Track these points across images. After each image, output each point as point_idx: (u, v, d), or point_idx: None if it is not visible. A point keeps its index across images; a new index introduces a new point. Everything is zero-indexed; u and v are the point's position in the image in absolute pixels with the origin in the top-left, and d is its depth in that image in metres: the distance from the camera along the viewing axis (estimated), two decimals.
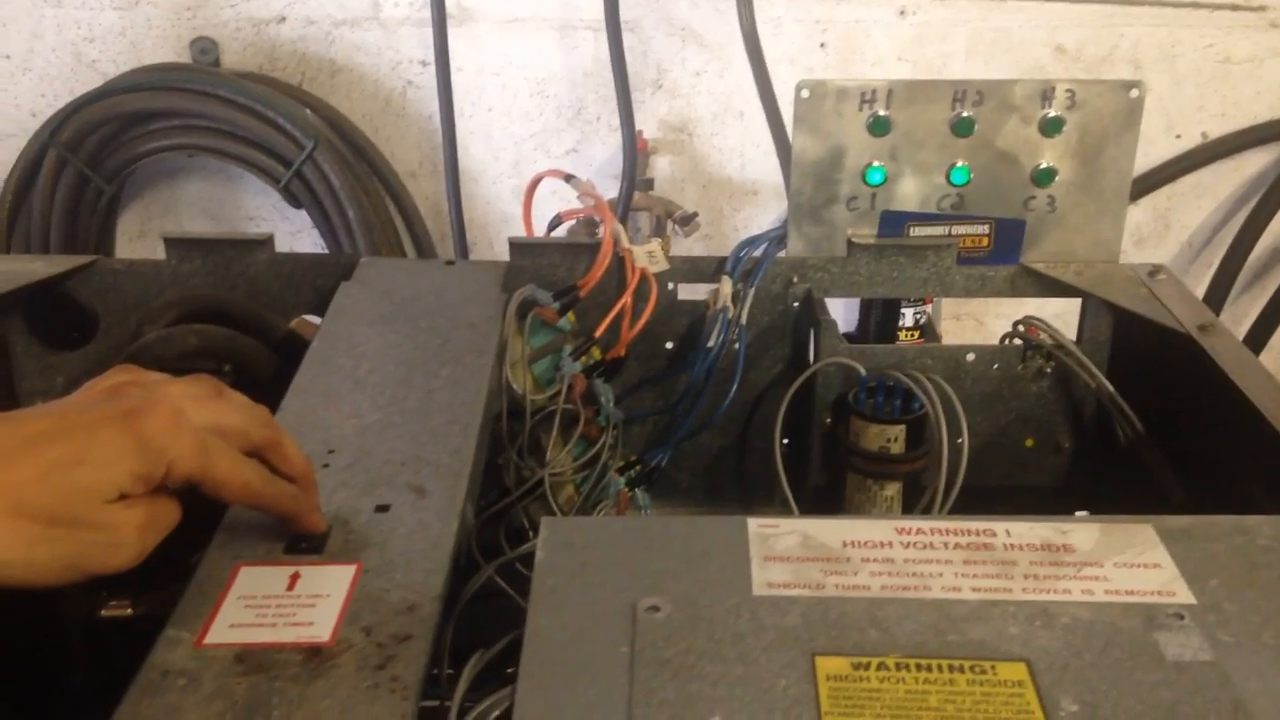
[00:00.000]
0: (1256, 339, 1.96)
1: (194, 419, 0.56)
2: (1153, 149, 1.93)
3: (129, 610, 0.79)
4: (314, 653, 0.54)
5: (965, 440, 0.84)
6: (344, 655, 0.54)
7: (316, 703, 0.51)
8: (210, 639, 0.55)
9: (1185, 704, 0.51)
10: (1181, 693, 0.51)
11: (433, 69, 1.88)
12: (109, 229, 1.95)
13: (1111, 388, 0.88)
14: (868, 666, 0.53)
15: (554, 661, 0.54)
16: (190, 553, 0.70)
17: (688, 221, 1.86)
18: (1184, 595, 0.57)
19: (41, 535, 0.50)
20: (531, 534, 0.82)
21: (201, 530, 0.63)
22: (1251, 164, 1.96)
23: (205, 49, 1.89)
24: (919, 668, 0.53)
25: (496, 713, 0.53)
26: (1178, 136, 1.93)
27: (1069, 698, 0.51)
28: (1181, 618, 0.55)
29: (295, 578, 0.59)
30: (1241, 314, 2.03)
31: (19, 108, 1.93)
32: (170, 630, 0.56)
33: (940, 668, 0.53)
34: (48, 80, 1.92)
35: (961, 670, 0.52)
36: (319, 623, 0.56)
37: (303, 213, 1.89)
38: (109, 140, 1.83)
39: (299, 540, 0.62)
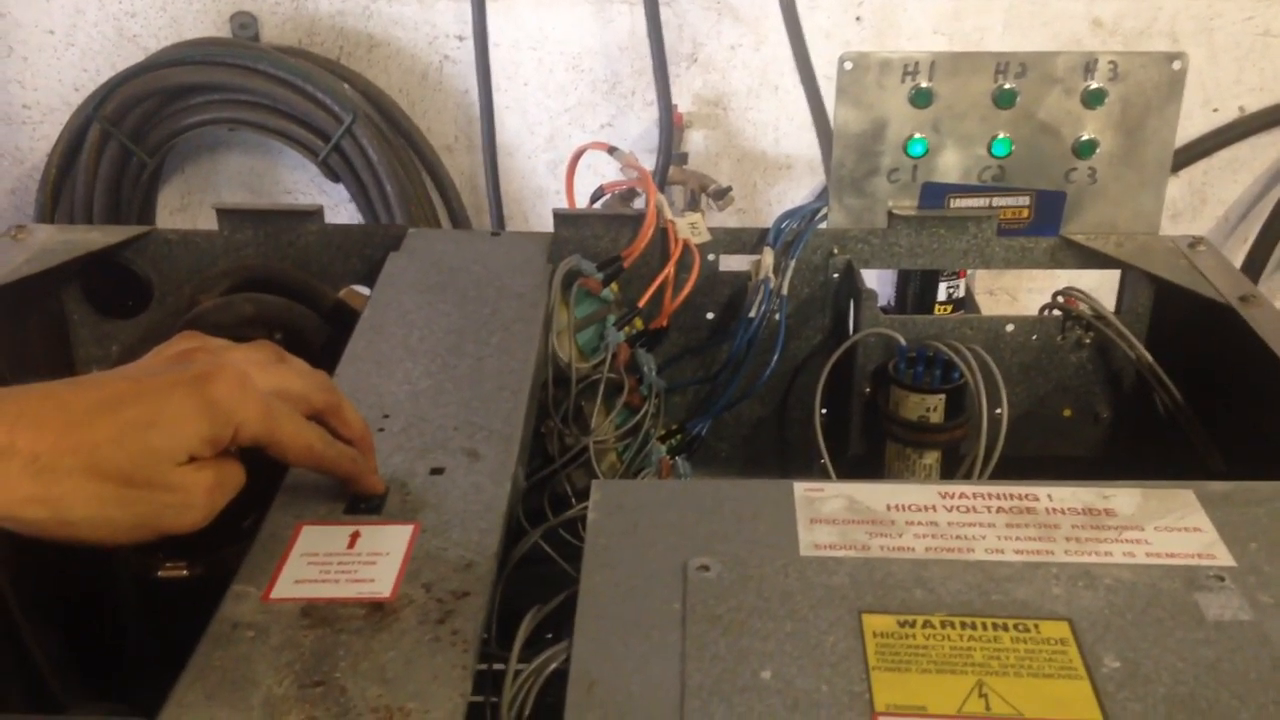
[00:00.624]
0: None
1: (259, 384, 0.58)
2: (1190, 123, 1.92)
3: (185, 572, 0.81)
4: (376, 607, 0.56)
5: (1005, 410, 0.85)
6: (405, 610, 0.56)
7: (381, 654, 0.53)
8: (277, 593, 0.57)
9: (1226, 662, 0.52)
10: (1222, 651, 0.52)
11: (468, 44, 1.89)
12: (150, 202, 1.98)
13: (1151, 358, 0.89)
14: (914, 624, 0.54)
15: (608, 617, 0.55)
16: (243, 517, 0.72)
17: (722, 195, 1.87)
18: (1224, 558, 0.58)
19: (116, 495, 0.52)
20: (574, 501, 0.84)
21: (255, 496, 0.64)
22: None
23: (245, 24, 1.91)
24: (964, 625, 0.54)
25: (554, 665, 0.55)
26: (1215, 110, 1.92)
27: (1111, 655, 0.52)
28: (1222, 579, 0.57)
29: (355, 536, 0.61)
30: (1276, 290, 2.02)
31: (62, 83, 1.96)
32: (238, 585, 0.58)
33: (985, 625, 0.54)
34: (90, 55, 1.94)
35: (1005, 628, 0.54)
36: (380, 579, 0.58)
37: (340, 187, 1.91)
38: (151, 114, 1.86)
39: (358, 501, 0.64)
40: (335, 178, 1.89)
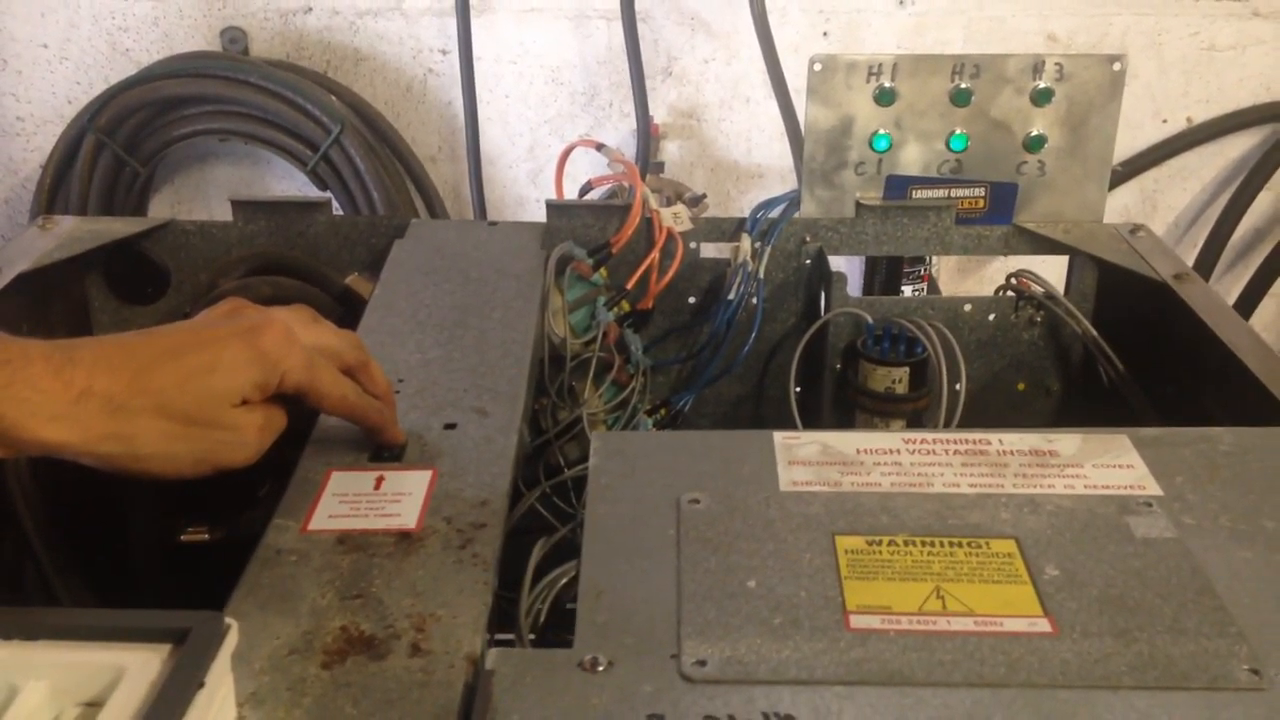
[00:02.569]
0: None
1: (301, 338, 0.65)
2: (1140, 133, 2.02)
3: (206, 535, 0.88)
4: (404, 536, 0.63)
5: (963, 383, 0.93)
6: (430, 539, 0.63)
7: (411, 573, 0.60)
8: (313, 526, 0.64)
9: (1151, 570, 0.59)
10: (1148, 561, 0.60)
11: (452, 57, 1.97)
12: (142, 210, 2.04)
13: (1096, 334, 0.97)
14: (880, 543, 0.62)
15: (611, 542, 0.62)
16: (260, 485, 0.79)
17: (696, 203, 1.95)
18: (1153, 489, 0.66)
19: (181, 433, 0.59)
20: (567, 470, 0.91)
21: (270, 465, 0.70)
22: (1234, 148, 2.05)
23: (235, 38, 1.98)
24: (924, 543, 0.61)
25: (564, 580, 0.62)
26: (1164, 121, 2.02)
27: (1052, 565, 0.60)
28: (1150, 505, 0.64)
29: (381, 479, 0.68)
30: (1224, 293, 2.12)
31: (55, 95, 2.02)
32: (278, 520, 0.65)
33: (942, 543, 0.61)
34: (83, 69, 2.00)
35: (960, 545, 0.61)
36: (405, 514, 0.65)
37: (327, 195, 1.97)
38: (144, 125, 1.92)
39: (381, 450, 0.71)
40: (323, 186, 1.96)
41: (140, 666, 0.48)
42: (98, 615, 0.52)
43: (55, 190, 1.95)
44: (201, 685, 0.47)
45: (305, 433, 0.73)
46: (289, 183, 2.08)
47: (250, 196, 1.01)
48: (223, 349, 0.60)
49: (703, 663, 0.53)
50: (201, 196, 2.10)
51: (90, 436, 0.56)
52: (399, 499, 0.67)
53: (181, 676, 0.47)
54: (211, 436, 0.60)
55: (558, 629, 0.64)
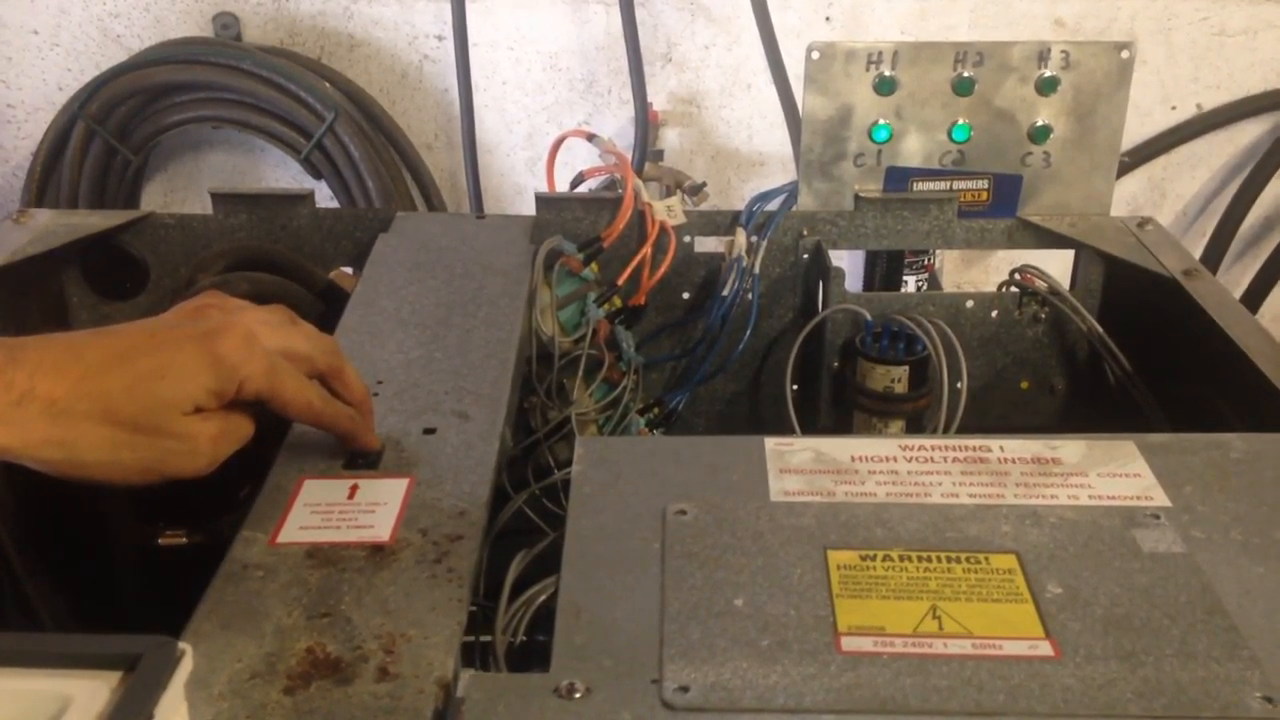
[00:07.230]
0: (1248, 306, 2.01)
1: (266, 342, 0.62)
2: (1149, 120, 1.98)
3: (184, 539, 0.85)
4: (377, 549, 0.60)
5: (965, 381, 0.90)
6: (404, 552, 0.60)
7: (383, 589, 0.57)
8: (283, 538, 0.61)
9: (1159, 588, 0.57)
10: (1156, 578, 0.57)
11: (448, 43, 1.93)
12: (134, 199, 2.01)
13: (1102, 331, 0.94)
14: (874, 558, 0.59)
15: (593, 556, 0.60)
16: (240, 488, 0.76)
17: (696, 191, 1.92)
18: (1161, 499, 0.63)
19: (126, 440, 0.56)
20: (557, 471, 0.88)
21: (251, 468, 0.68)
22: (1245, 135, 2.01)
23: (227, 24, 1.95)
24: (920, 558, 0.59)
25: (543, 597, 0.60)
26: (1173, 108, 1.99)
27: (1054, 582, 0.57)
28: (1157, 517, 0.61)
29: (355, 488, 0.65)
30: (1233, 283, 2.08)
31: (46, 82, 1.99)
32: (246, 532, 0.62)
33: (939, 558, 0.59)
34: (74, 55, 1.97)
35: (958, 560, 0.58)
36: (379, 525, 0.62)
37: (321, 184, 1.94)
38: (136, 112, 1.89)
39: (356, 457, 0.68)
40: (318, 175, 1.93)
41: (87, 696, 0.45)
42: (42, 640, 0.50)
43: (46, 179, 1.93)
44: (150, 718, 0.44)
45: (285, 435, 0.71)
46: (283, 170, 2.05)
47: (231, 189, 0.98)
48: (176, 353, 0.57)
49: (685, 689, 0.51)
50: (195, 185, 2.07)
51: (30, 441, 0.54)
52: (373, 509, 0.64)
53: (129, 708, 0.44)
54: (159, 445, 0.57)
55: (544, 630, 0.61)
